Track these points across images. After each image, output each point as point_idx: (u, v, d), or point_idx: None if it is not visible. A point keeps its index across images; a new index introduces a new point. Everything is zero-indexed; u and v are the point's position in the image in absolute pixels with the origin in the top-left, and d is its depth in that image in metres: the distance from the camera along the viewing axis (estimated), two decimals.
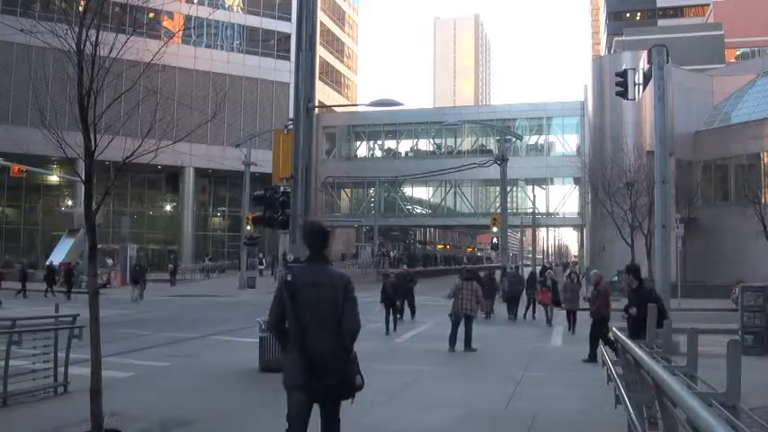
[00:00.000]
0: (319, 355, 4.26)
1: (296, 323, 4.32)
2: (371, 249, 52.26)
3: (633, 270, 9.81)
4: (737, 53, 63.85)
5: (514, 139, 44.17)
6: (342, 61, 69.41)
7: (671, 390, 3.25)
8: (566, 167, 46.31)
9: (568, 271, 21.25)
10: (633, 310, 8.99)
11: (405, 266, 29.96)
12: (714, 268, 32.80)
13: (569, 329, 17.24)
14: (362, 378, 4.58)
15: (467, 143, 56.93)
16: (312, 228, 4.69)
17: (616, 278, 33.38)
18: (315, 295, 4.32)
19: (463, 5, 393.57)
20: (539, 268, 35.81)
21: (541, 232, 73.77)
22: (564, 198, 53.23)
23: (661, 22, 73.34)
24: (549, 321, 20.08)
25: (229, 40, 53.31)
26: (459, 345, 13.51)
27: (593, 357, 11.86)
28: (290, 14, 50.45)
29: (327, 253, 4.62)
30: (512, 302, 22.39)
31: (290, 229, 12.78)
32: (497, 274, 29.48)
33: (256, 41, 53.91)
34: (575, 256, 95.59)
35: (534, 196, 52.59)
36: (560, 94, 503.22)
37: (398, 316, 18.93)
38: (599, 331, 12.03)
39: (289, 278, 4.46)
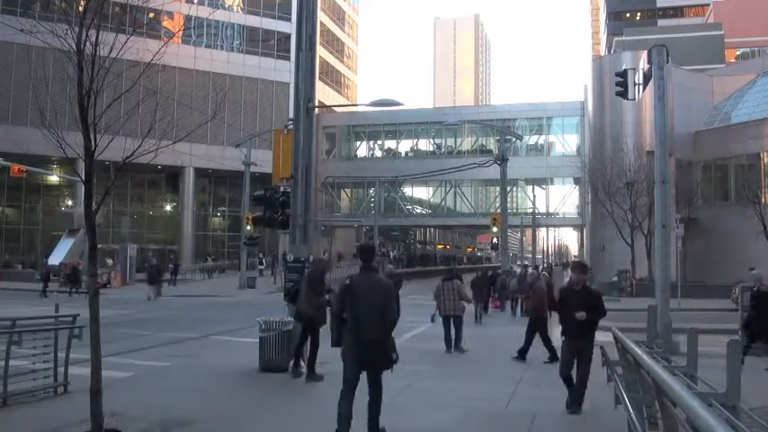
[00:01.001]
0: (368, 337, 6.15)
1: (352, 314, 6.25)
2: None
3: (580, 267, 8.55)
4: (737, 53, 63.85)
5: (514, 139, 44.16)
6: (342, 61, 69.40)
7: (671, 390, 3.25)
8: (566, 167, 46.31)
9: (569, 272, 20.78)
10: (582, 315, 7.69)
11: (390, 266, 28.45)
12: (714, 268, 32.78)
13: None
14: (398, 355, 6.45)
15: (467, 143, 56.90)
16: (365, 247, 6.88)
17: (616, 278, 33.44)
18: (366, 295, 6.25)
19: (463, 5, 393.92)
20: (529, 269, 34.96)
21: (541, 232, 73.77)
22: (564, 198, 53.23)
23: (661, 22, 73.34)
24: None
25: (229, 40, 53.31)
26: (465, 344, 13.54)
27: (554, 358, 11.93)
28: (290, 14, 50.45)
29: (375, 264, 6.81)
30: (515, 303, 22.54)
31: (290, 229, 12.79)
32: (508, 274, 28.86)
33: (256, 41, 53.91)
34: (575, 256, 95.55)
35: (534, 196, 52.57)
36: (560, 94, 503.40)
37: None
38: (536, 330, 12.54)
39: (348, 282, 6.45)
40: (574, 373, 8.06)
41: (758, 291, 12.10)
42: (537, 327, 12.64)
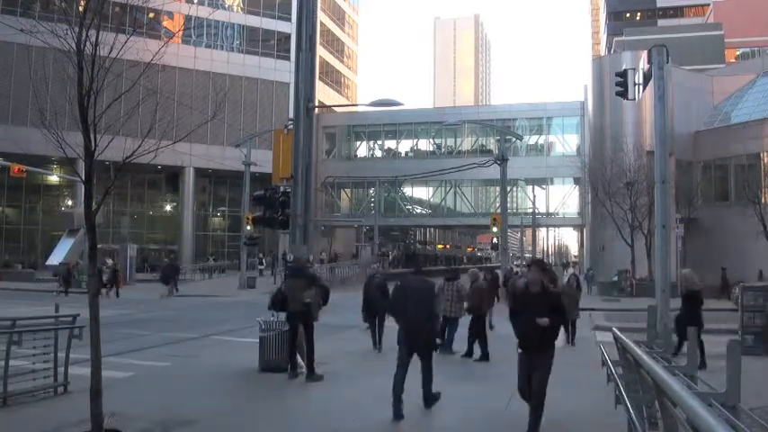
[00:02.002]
0: (416, 326, 7.72)
1: (404, 307, 7.85)
2: (371, 249, 52.25)
3: (538, 265, 7.36)
4: (737, 53, 63.85)
5: (514, 139, 44.14)
6: (342, 61, 69.39)
7: (671, 390, 3.25)
8: (566, 167, 46.29)
9: (569, 273, 17.54)
10: (545, 321, 6.58)
11: (376, 265, 24.40)
12: (714, 268, 32.78)
13: (568, 341, 14.73)
14: (441, 339, 8.66)
15: (467, 143, 56.89)
16: (411, 256, 13.14)
17: (616, 278, 33.44)
18: (416, 293, 7.95)
19: (463, 5, 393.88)
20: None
21: (541, 232, 73.75)
22: (564, 198, 53.21)
23: (661, 22, 73.34)
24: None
25: (229, 40, 53.31)
26: (458, 346, 13.50)
27: (485, 356, 12.19)
28: (290, 14, 50.45)
29: (423, 268, 10.48)
30: None
31: (290, 229, 12.79)
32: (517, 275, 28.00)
33: (256, 41, 53.90)
34: (575, 256, 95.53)
35: (534, 196, 52.57)
36: (560, 94, 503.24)
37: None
38: (479, 327, 12.90)
39: (400, 283, 8.28)
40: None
41: (687, 290, 12.09)
42: (477, 325, 12.92)
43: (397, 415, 7.43)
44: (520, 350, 6.89)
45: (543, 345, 6.77)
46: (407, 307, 7.77)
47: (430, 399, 7.94)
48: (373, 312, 13.84)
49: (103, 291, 28.72)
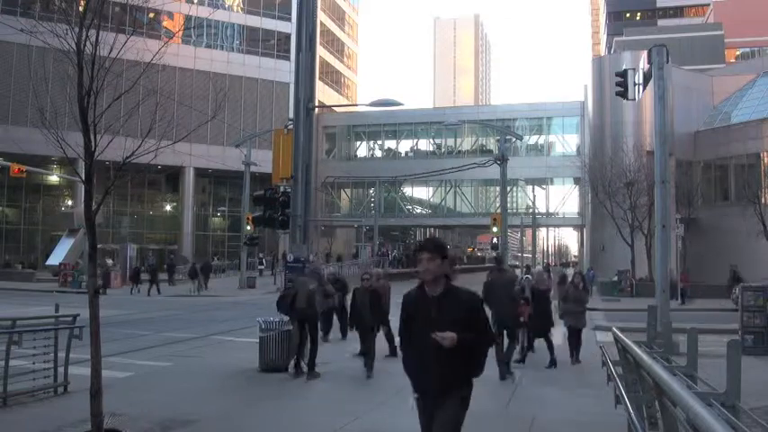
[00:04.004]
0: (504, 312, 10.17)
1: (494, 299, 9.87)
2: (371, 249, 52.27)
3: (433, 248, 4.26)
4: (737, 53, 63.88)
5: (514, 139, 44.14)
6: (342, 61, 69.40)
7: (671, 390, 3.25)
8: (566, 167, 46.31)
9: (572, 272, 15.64)
10: (446, 336, 3.93)
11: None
12: (714, 268, 32.79)
13: (572, 358, 12.07)
14: (523, 319, 11.27)
15: (467, 143, 56.91)
16: (498, 257, 13.25)
17: (616, 278, 33.45)
18: (500, 285, 10.57)
19: (463, 5, 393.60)
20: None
21: (541, 232, 73.75)
22: (564, 198, 53.26)
23: (661, 22, 73.37)
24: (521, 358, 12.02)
25: (229, 40, 53.31)
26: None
27: (553, 363, 11.63)
28: (290, 14, 50.44)
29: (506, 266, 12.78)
30: None
31: (290, 229, 12.79)
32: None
33: (256, 41, 53.91)
34: (575, 256, 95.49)
35: (534, 196, 52.58)
36: (560, 94, 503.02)
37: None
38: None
39: (489, 279, 11.03)
40: None
41: (533, 289, 12.04)
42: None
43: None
44: (416, 394, 4.29)
45: (446, 381, 4.06)
46: (496, 298, 10.01)
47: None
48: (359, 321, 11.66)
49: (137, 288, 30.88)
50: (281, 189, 13.75)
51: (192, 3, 46.73)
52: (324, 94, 59.45)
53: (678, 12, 76.80)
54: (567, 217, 54.71)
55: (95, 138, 5.98)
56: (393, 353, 11.59)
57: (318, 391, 9.39)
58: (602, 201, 34.04)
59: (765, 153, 36.39)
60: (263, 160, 30.60)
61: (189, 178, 51.04)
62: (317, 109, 19.99)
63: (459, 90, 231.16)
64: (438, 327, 3.93)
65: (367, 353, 10.60)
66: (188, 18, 48.77)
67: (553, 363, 11.46)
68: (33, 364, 8.22)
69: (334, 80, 66.97)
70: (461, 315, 4.03)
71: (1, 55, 40.72)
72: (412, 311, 4.25)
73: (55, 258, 37.14)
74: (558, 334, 12.81)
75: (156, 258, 39.97)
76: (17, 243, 47.36)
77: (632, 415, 5.23)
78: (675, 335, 11.09)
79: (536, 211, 52.77)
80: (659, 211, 13.97)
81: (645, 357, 4.60)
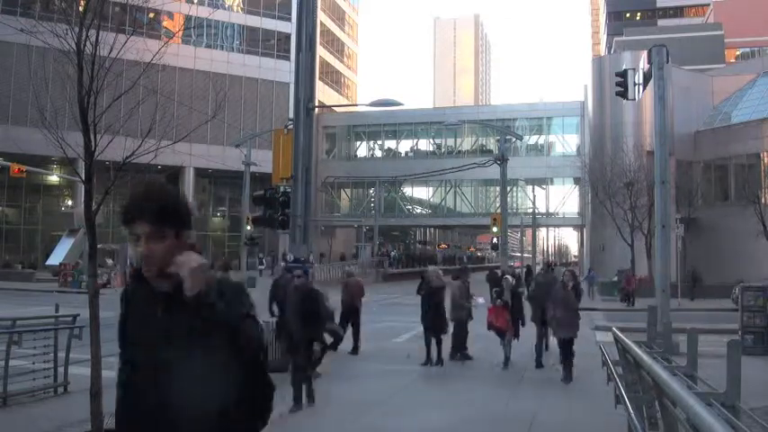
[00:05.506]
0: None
1: (539, 296, 12.01)
2: (371, 249, 52.28)
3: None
4: (737, 53, 63.87)
5: (514, 139, 44.13)
6: (342, 61, 69.40)
7: (671, 390, 3.25)
8: (566, 167, 46.31)
9: (563, 271, 14.48)
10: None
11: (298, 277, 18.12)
12: (714, 268, 32.79)
13: (563, 376, 10.23)
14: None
15: (467, 143, 56.91)
16: (546, 263, 17.70)
17: (616, 278, 33.43)
18: (545, 284, 12.29)
19: (463, 5, 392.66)
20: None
21: (541, 232, 73.72)
22: (564, 198, 53.26)
23: (661, 22, 73.35)
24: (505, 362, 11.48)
25: (229, 40, 53.31)
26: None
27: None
28: (290, 14, 50.42)
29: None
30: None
31: (289, 229, 12.78)
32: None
33: (256, 41, 53.90)
34: (575, 256, 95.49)
35: (534, 196, 52.58)
36: (560, 94, 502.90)
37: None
38: (348, 321, 13.23)
39: (539, 278, 14.37)
40: None
41: (428, 287, 12.05)
42: (349, 317, 13.19)
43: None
44: None
45: None
46: (542, 295, 11.71)
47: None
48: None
49: None
50: (281, 189, 13.75)
51: (192, 3, 46.69)
52: (324, 94, 59.44)
53: (678, 12, 76.78)
54: (567, 217, 54.70)
55: (95, 138, 5.98)
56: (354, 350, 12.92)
57: (318, 391, 9.22)
58: (602, 201, 34.03)
59: (765, 153, 36.38)
60: (263, 160, 30.58)
61: (189, 178, 51.00)
62: (317, 109, 19.99)
63: (459, 90, 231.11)
64: (168, 351, 2.20)
65: (294, 377, 8.12)
66: (188, 18, 48.66)
67: (439, 361, 11.54)
68: (33, 364, 8.21)
69: (334, 80, 66.97)
70: (205, 329, 2.17)
71: (1, 55, 40.68)
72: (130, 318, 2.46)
73: (55, 258, 37.10)
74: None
75: None
76: (17, 243, 47.33)
77: (632, 415, 5.24)
78: (675, 335, 11.11)
79: (536, 211, 52.78)
80: (659, 211, 13.98)
81: (645, 357, 4.61)
